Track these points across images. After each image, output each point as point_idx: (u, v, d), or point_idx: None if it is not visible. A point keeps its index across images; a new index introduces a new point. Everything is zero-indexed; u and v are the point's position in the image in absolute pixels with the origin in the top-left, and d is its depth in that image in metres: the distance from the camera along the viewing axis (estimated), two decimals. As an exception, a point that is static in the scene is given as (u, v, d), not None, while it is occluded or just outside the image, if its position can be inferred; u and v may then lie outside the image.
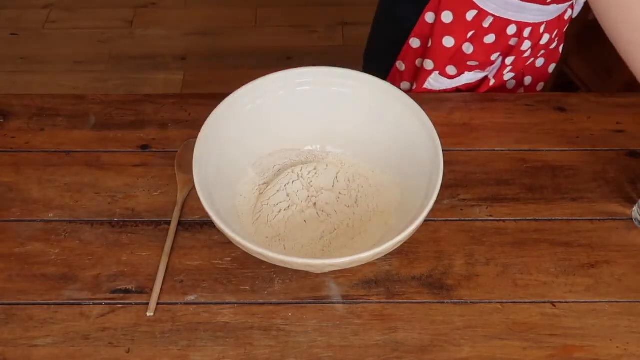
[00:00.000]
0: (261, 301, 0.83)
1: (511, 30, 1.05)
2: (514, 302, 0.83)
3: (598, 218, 0.92)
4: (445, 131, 1.00)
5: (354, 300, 0.83)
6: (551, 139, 1.02)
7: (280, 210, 0.88)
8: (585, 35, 1.75)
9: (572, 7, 1.10)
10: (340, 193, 0.90)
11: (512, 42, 1.08)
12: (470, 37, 1.06)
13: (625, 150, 1.00)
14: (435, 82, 1.16)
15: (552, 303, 0.83)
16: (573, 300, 0.83)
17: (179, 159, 0.97)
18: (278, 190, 0.90)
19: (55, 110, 1.05)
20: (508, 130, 1.02)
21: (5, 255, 0.87)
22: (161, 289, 0.83)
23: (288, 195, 0.89)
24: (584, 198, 0.94)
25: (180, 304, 0.82)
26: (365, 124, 0.92)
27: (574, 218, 0.91)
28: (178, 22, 2.46)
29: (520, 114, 1.05)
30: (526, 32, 1.06)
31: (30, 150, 0.99)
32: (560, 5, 1.05)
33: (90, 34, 2.43)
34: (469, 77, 1.15)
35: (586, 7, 1.08)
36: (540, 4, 1.02)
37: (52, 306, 0.82)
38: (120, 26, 2.47)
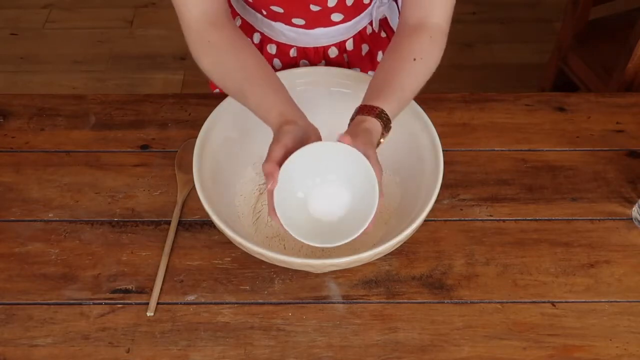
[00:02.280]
0: (261, 301, 0.83)
1: (257, 38, 1.04)
2: (514, 302, 0.83)
3: (598, 218, 0.91)
4: (445, 131, 1.00)
5: (354, 300, 0.83)
6: (551, 139, 1.01)
7: None
8: (585, 35, 1.75)
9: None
10: None
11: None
12: None
13: (625, 150, 1.00)
14: None
15: (552, 303, 0.83)
16: (573, 300, 0.83)
17: (179, 159, 0.96)
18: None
19: (55, 110, 1.05)
20: (508, 130, 1.02)
21: (5, 255, 0.87)
22: (161, 289, 0.83)
23: None
24: (584, 198, 0.94)
25: (180, 304, 0.82)
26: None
27: (574, 218, 0.91)
28: (178, 22, 2.45)
29: (520, 114, 1.05)
30: (271, 49, 1.04)
31: (30, 150, 0.99)
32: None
33: (90, 34, 2.43)
34: None
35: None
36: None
37: (52, 306, 0.82)
38: (120, 26, 2.47)
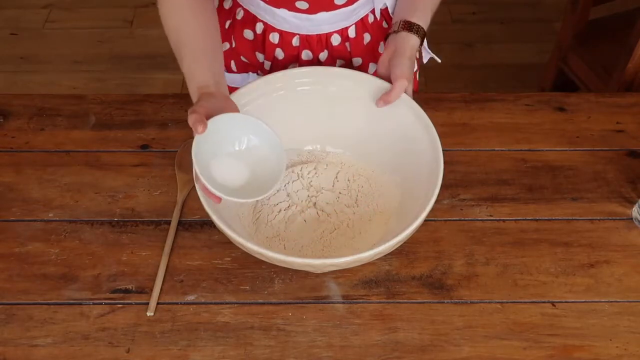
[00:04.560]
0: (261, 301, 0.83)
1: (260, 27, 1.03)
2: (514, 302, 0.83)
3: (598, 218, 0.91)
4: (445, 131, 1.00)
5: (354, 300, 0.83)
6: (551, 139, 1.02)
7: (280, 210, 0.88)
8: (585, 35, 1.75)
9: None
10: (340, 193, 0.90)
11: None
12: (229, 27, 1.05)
13: (625, 150, 1.00)
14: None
15: (552, 303, 0.83)
16: (573, 300, 0.83)
17: (179, 159, 0.96)
18: (278, 190, 0.89)
19: (55, 110, 1.05)
20: (508, 130, 1.02)
21: (5, 255, 0.87)
22: (161, 289, 0.83)
23: (288, 195, 0.89)
24: (584, 198, 0.94)
25: (180, 303, 0.82)
26: (365, 124, 0.92)
27: (574, 218, 0.91)
28: (178, 22, 2.45)
29: (520, 114, 1.05)
30: (274, 38, 1.04)
31: (30, 150, 0.99)
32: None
33: (90, 34, 2.43)
34: (253, 79, 1.09)
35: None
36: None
37: (52, 306, 0.82)
38: (120, 26, 2.47)
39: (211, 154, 0.78)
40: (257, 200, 0.90)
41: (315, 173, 0.91)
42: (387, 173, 0.91)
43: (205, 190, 0.76)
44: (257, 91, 0.90)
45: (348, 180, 0.91)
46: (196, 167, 0.74)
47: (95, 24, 2.47)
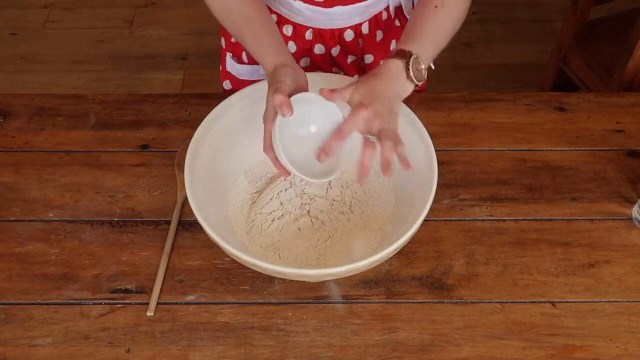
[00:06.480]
0: (261, 301, 0.83)
1: (273, 19, 1.02)
2: (514, 302, 0.83)
3: (598, 218, 0.91)
4: (445, 131, 1.00)
5: (354, 300, 0.83)
6: (551, 138, 1.02)
7: (274, 219, 0.87)
8: (585, 35, 1.75)
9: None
10: (334, 200, 0.89)
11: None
12: None
13: (625, 150, 1.00)
14: (231, 65, 1.13)
15: (552, 303, 0.83)
16: (573, 300, 0.83)
17: (179, 158, 0.96)
18: (271, 199, 0.89)
19: (55, 110, 1.05)
20: (508, 130, 1.02)
21: (5, 255, 0.87)
22: (161, 289, 0.83)
23: (281, 204, 0.88)
24: (584, 198, 0.94)
25: (180, 303, 0.82)
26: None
27: (574, 218, 0.91)
28: (178, 22, 2.45)
29: (520, 114, 1.05)
30: (287, 30, 1.04)
31: (30, 150, 0.99)
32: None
33: (90, 34, 2.43)
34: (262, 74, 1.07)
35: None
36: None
37: (52, 306, 0.82)
38: (120, 26, 2.47)
39: (287, 133, 0.79)
40: (251, 209, 0.89)
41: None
42: (381, 179, 0.90)
43: (277, 163, 0.79)
44: (247, 99, 0.89)
45: (341, 186, 0.90)
46: (277, 140, 0.76)
47: (95, 24, 2.47)
